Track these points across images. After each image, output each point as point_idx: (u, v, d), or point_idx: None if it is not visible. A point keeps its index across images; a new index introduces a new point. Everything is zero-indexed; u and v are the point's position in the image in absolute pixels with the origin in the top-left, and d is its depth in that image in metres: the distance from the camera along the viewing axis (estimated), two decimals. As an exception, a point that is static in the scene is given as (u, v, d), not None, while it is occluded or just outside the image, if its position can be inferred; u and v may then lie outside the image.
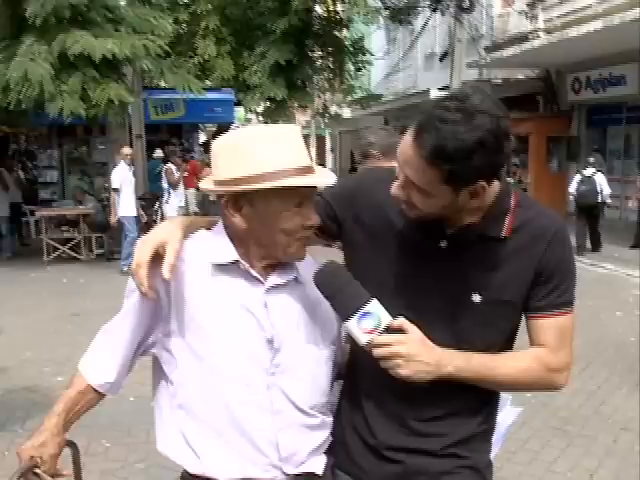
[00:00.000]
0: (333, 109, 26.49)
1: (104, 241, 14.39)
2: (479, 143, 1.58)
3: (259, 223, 1.81)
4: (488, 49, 21.40)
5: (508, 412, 2.46)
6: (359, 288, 1.76)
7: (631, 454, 4.99)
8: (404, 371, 1.74)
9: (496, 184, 1.82)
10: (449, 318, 1.83)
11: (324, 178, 1.85)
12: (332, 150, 44.11)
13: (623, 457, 4.94)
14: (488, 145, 1.59)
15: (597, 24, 13.97)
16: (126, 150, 12.93)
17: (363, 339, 1.73)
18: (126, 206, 12.38)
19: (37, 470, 1.83)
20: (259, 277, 1.87)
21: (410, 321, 1.76)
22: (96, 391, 1.95)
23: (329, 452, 2.02)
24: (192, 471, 1.89)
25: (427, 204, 1.72)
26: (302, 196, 1.81)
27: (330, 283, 1.79)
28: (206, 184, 1.90)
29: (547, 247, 1.82)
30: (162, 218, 13.08)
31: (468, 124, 1.58)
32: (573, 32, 14.84)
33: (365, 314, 1.73)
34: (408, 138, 1.67)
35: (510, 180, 19.77)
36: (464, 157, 1.59)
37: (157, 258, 1.77)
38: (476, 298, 1.82)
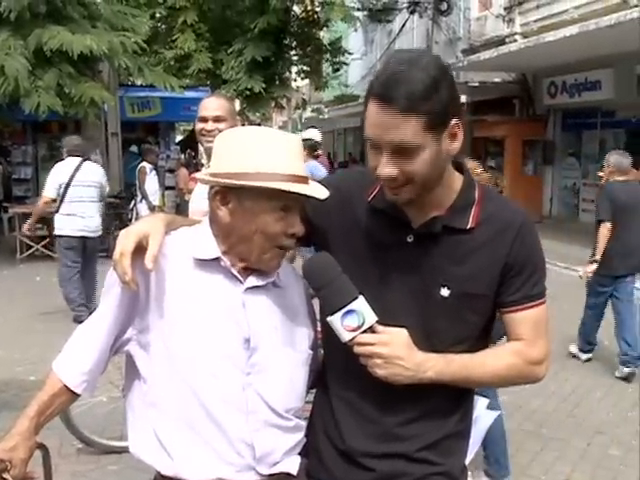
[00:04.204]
0: (312, 107, 26.53)
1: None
2: (438, 75, 1.66)
3: (242, 220, 1.81)
4: (465, 52, 21.53)
5: (485, 415, 2.42)
6: (347, 284, 1.75)
7: (605, 458, 5.02)
8: (381, 372, 1.74)
9: (460, 176, 1.87)
10: (418, 313, 1.83)
11: (316, 191, 1.83)
12: (309, 150, 44.07)
13: (597, 461, 4.97)
14: (444, 76, 1.67)
15: (573, 29, 14.09)
16: None
17: (346, 336, 1.72)
18: None
19: (6, 475, 1.80)
20: (239, 276, 1.87)
21: (379, 317, 1.74)
22: (70, 391, 1.91)
23: (303, 456, 2.00)
24: (164, 472, 1.87)
25: (419, 164, 1.70)
26: (290, 203, 1.81)
27: (318, 275, 1.78)
28: (201, 174, 1.91)
29: (515, 238, 1.82)
30: (137, 217, 12.94)
31: (418, 66, 1.65)
32: (549, 37, 14.95)
33: (350, 311, 1.71)
34: (375, 108, 1.67)
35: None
36: (433, 92, 1.64)
37: (139, 251, 1.76)
38: (444, 292, 1.82)
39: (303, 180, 1.83)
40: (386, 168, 1.71)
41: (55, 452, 4.44)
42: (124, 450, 3.89)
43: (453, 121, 1.70)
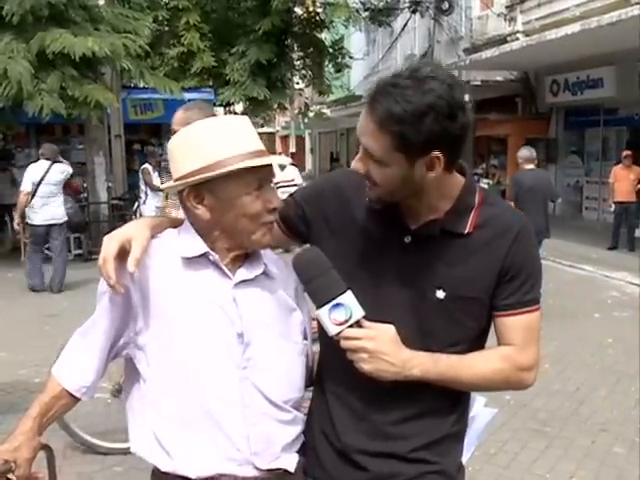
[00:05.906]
0: (315, 108, 26.51)
1: (82, 241, 14.25)
2: (429, 106, 1.60)
3: (222, 211, 1.83)
4: (467, 51, 21.51)
5: (483, 413, 2.41)
6: (336, 277, 1.75)
7: (610, 455, 5.02)
8: (367, 366, 1.74)
9: (460, 179, 1.86)
10: (413, 314, 1.83)
11: (280, 159, 1.85)
12: (312, 151, 44.06)
13: (602, 458, 4.97)
14: (439, 110, 1.61)
15: (575, 27, 14.07)
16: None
17: (332, 330, 1.73)
18: None
19: (10, 476, 1.80)
20: (227, 271, 1.88)
21: (374, 316, 1.75)
22: (71, 395, 1.93)
23: (302, 455, 2.01)
24: (163, 469, 1.88)
25: (384, 176, 1.72)
26: (260, 179, 1.83)
27: (308, 269, 1.79)
28: (167, 183, 1.92)
29: (513, 243, 1.82)
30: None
31: (418, 88, 1.61)
32: (551, 35, 14.94)
33: (338, 305, 1.72)
34: (364, 108, 1.70)
35: (489, 182, 19.90)
36: (414, 120, 1.60)
37: (124, 255, 1.78)
38: (440, 294, 1.82)
39: (263, 153, 1.85)
40: (356, 162, 1.77)
41: (59, 453, 4.45)
42: (128, 451, 3.91)
43: (434, 153, 1.67)
